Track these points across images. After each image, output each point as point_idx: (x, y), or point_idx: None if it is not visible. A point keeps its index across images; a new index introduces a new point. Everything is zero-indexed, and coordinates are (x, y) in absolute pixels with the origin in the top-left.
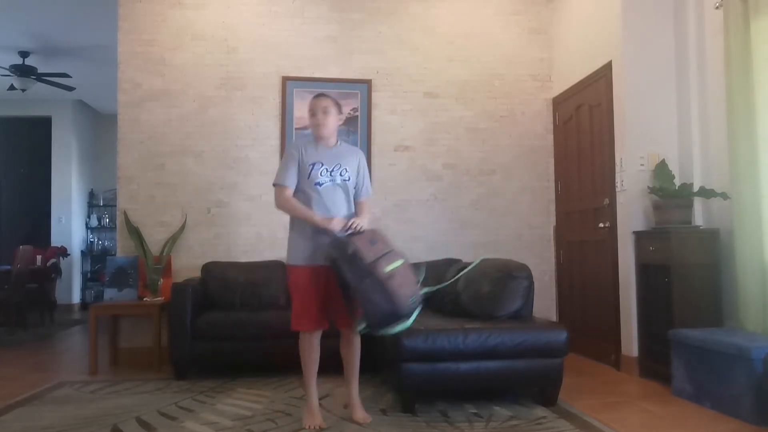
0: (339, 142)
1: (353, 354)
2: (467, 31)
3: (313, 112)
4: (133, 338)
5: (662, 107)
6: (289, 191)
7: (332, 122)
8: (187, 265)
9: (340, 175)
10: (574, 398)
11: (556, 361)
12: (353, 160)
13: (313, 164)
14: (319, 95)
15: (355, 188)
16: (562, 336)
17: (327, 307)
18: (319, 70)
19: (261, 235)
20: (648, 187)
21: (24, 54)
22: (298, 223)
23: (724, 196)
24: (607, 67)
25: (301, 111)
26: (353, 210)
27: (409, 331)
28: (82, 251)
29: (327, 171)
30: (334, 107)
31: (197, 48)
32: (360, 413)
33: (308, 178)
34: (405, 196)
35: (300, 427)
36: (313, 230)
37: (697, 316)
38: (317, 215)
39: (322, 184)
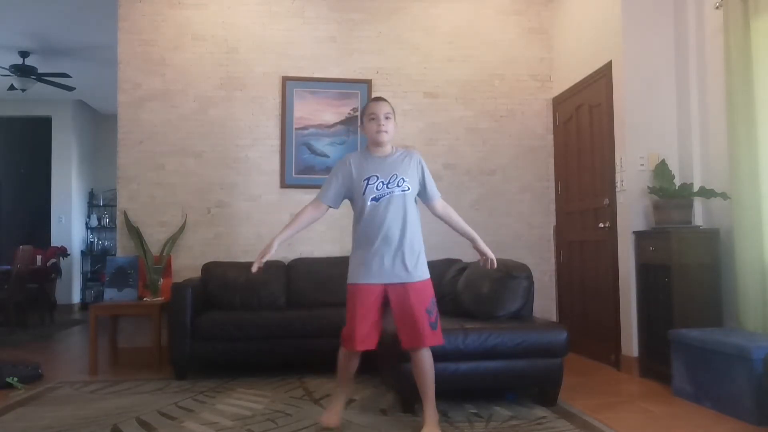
0: (394, 150)
1: (422, 375)
2: (467, 31)
3: (373, 116)
4: (133, 338)
5: (662, 107)
6: (319, 204)
7: (392, 128)
8: (187, 265)
9: (398, 185)
10: (574, 398)
11: (556, 361)
12: (411, 166)
13: (368, 178)
14: (379, 99)
15: (420, 193)
16: (562, 336)
17: (377, 328)
18: (319, 70)
19: (261, 235)
20: (648, 187)
21: (24, 54)
22: (355, 240)
23: (724, 196)
24: (607, 67)
25: (301, 111)
26: (413, 221)
27: None
28: (82, 251)
29: (384, 184)
30: (393, 113)
31: (197, 48)
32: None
33: (363, 194)
34: None
35: (301, 427)
36: (368, 250)
37: (697, 316)
38: (277, 239)
39: (380, 198)
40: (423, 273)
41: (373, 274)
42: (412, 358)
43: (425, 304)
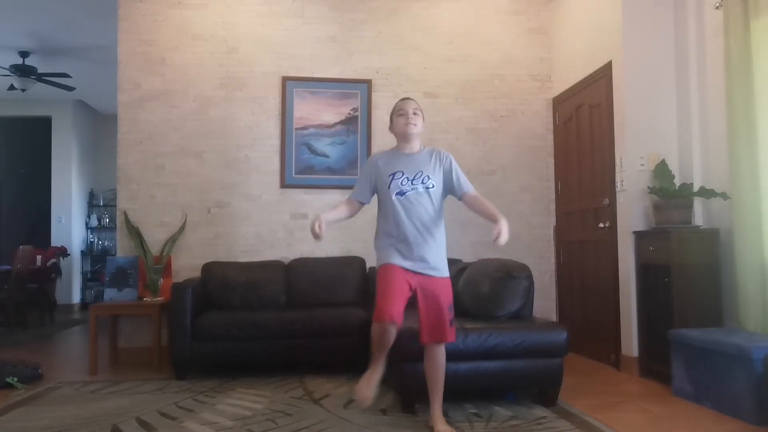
0: (422, 148)
1: (437, 370)
2: (467, 31)
3: (402, 112)
4: (133, 338)
5: (662, 107)
6: (351, 202)
7: (421, 124)
8: (187, 265)
9: (422, 182)
10: (574, 398)
11: (556, 361)
12: (438, 164)
13: (394, 173)
14: (406, 98)
15: (451, 189)
16: (562, 336)
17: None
18: (319, 70)
19: (261, 235)
20: (648, 187)
21: (24, 54)
22: (380, 230)
23: (724, 196)
24: (607, 67)
25: (301, 111)
26: (437, 219)
27: (409, 332)
28: (82, 251)
29: (408, 180)
30: (421, 111)
31: (197, 48)
32: (442, 426)
33: (389, 188)
34: None
35: (301, 427)
36: (393, 240)
37: (697, 316)
38: (325, 217)
39: (404, 193)
40: (446, 271)
41: (403, 259)
42: (428, 352)
43: (448, 301)
